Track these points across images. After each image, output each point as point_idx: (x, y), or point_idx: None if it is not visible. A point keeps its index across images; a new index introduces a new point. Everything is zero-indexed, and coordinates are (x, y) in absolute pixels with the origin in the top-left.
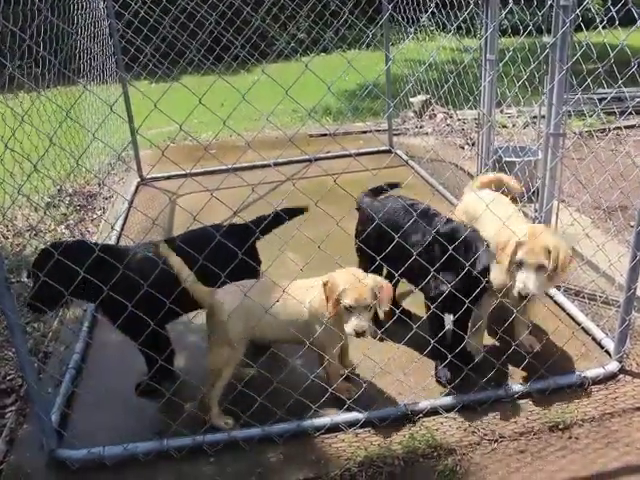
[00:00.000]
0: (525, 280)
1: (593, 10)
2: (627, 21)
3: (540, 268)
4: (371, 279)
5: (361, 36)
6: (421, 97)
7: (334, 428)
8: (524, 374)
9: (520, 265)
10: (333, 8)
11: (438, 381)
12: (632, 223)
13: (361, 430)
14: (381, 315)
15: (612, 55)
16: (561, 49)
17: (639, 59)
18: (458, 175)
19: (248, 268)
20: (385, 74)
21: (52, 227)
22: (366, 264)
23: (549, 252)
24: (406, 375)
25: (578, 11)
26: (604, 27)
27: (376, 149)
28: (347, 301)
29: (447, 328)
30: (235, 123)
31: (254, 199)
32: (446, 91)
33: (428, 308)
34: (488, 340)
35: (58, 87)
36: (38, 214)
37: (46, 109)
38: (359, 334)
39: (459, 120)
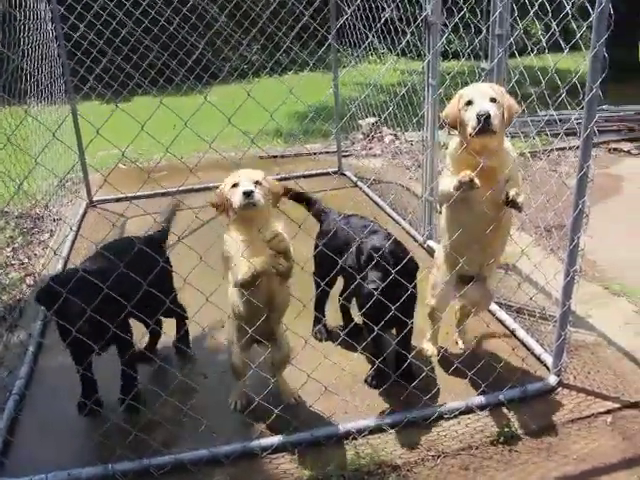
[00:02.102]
0: (480, 106)
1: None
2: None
3: (492, 101)
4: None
5: (312, 58)
6: (370, 119)
7: (281, 448)
8: (466, 390)
9: (469, 104)
10: (283, 30)
11: (367, 383)
12: (567, 241)
13: (307, 449)
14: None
15: (545, 79)
16: (497, 74)
17: (568, 84)
18: (404, 196)
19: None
20: (334, 99)
21: None
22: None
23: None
24: (352, 394)
25: (512, 39)
26: (544, 51)
27: (325, 171)
28: (231, 181)
29: (392, 347)
30: (186, 144)
31: (200, 224)
32: (394, 113)
33: (365, 324)
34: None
35: (6, 107)
36: None
37: None
38: (247, 194)
39: (407, 142)
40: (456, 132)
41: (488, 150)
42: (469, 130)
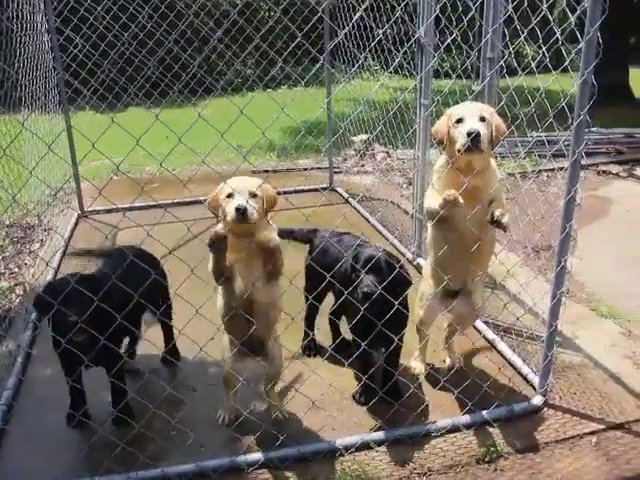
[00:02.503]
0: (470, 125)
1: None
2: (559, 66)
3: (481, 120)
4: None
5: (306, 74)
6: (362, 136)
7: (268, 463)
8: (453, 408)
9: (459, 122)
10: (278, 46)
11: (354, 399)
12: (554, 262)
13: (294, 465)
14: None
15: (534, 102)
16: (488, 96)
17: (557, 107)
18: (395, 213)
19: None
20: (326, 114)
21: None
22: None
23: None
24: (339, 411)
25: (502, 62)
26: (534, 72)
27: (317, 186)
28: (226, 190)
29: (378, 364)
30: (180, 156)
31: (190, 236)
32: (385, 131)
33: (354, 340)
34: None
35: None
36: None
37: None
38: (240, 210)
39: (398, 159)
40: (444, 150)
41: (474, 169)
42: (457, 147)
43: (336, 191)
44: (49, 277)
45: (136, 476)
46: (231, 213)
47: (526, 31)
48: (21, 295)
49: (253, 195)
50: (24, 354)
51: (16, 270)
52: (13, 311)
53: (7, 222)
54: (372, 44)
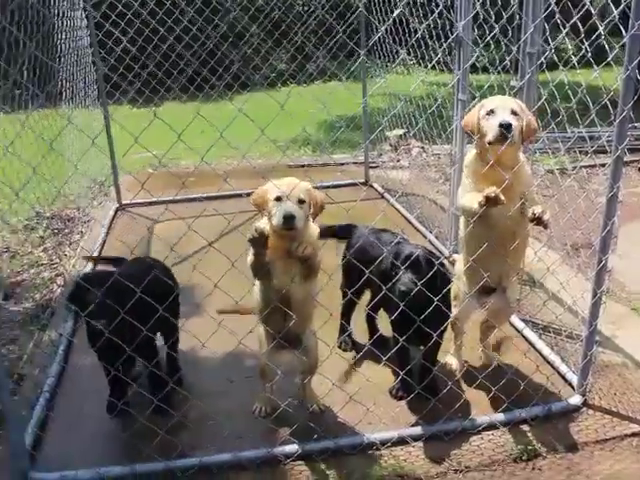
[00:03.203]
0: (502, 116)
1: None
2: (601, 60)
3: (513, 113)
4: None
5: (341, 68)
6: (398, 131)
7: (304, 456)
8: (490, 406)
9: (490, 113)
10: (314, 42)
11: (391, 394)
12: (595, 260)
13: (331, 458)
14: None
15: (576, 98)
16: (527, 92)
17: (600, 103)
18: (431, 209)
19: None
20: (362, 110)
21: (29, 250)
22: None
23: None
24: (376, 405)
25: (543, 58)
26: (574, 67)
27: (353, 181)
28: (275, 193)
29: (416, 360)
30: (216, 150)
31: (229, 229)
32: (422, 126)
33: (394, 336)
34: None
35: (40, 110)
36: (16, 236)
37: (28, 135)
38: (287, 218)
39: (434, 155)
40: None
41: (503, 163)
42: (488, 138)
43: (372, 186)
44: (88, 268)
45: (175, 465)
46: (278, 219)
47: (568, 25)
48: (62, 285)
49: (301, 201)
50: (66, 343)
51: (57, 261)
52: (55, 301)
53: (48, 214)
54: (412, 39)
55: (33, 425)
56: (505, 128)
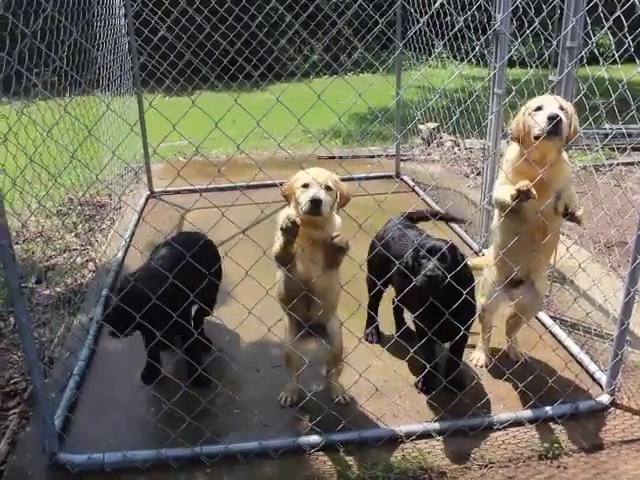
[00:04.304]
0: (551, 110)
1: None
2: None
3: (560, 108)
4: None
5: (375, 60)
6: (430, 125)
7: (329, 446)
8: (516, 402)
9: (538, 109)
10: (347, 34)
11: (416, 387)
12: (629, 259)
13: (355, 449)
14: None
15: (616, 94)
16: (566, 87)
17: None
18: (462, 204)
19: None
20: (395, 102)
21: (61, 235)
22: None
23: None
24: (401, 398)
25: (583, 53)
26: (615, 62)
27: (383, 174)
28: (302, 180)
29: (442, 353)
30: (245, 140)
31: (261, 218)
32: (455, 119)
33: (418, 330)
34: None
35: (77, 97)
36: (50, 221)
37: (65, 121)
38: (314, 202)
39: (466, 149)
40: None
41: (547, 160)
42: (536, 132)
43: (402, 179)
44: (120, 254)
45: (201, 450)
46: (306, 204)
47: (611, 19)
48: (93, 270)
49: (328, 188)
50: (96, 327)
51: (88, 247)
52: (86, 285)
53: (80, 200)
54: (451, 33)
55: (63, 407)
56: (556, 122)
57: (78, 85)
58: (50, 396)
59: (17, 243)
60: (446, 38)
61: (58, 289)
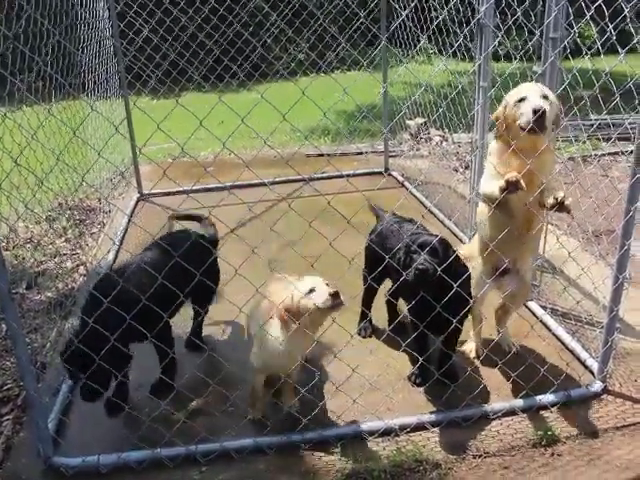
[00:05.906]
0: (534, 101)
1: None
2: (623, 47)
3: (544, 98)
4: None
5: (361, 58)
6: (418, 120)
7: (323, 441)
8: (509, 392)
9: (521, 100)
10: (333, 31)
11: (410, 380)
12: (616, 246)
13: (350, 443)
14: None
15: (599, 83)
16: (550, 78)
17: (623, 87)
18: (451, 197)
19: None
20: (382, 97)
21: (52, 240)
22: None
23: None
24: (395, 391)
25: (565, 42)
26: (598, 54)
27: (372, 170)
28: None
29: (435, 346)
30: (233, 140)
31: (250, 217)
32: (441, 114)
33: (412, 323)
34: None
35: (62, 102)
36: (39, 227)
37: (51, 125)
38: (537, 112)
39: (454, 143)
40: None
41: (532, 150)
42: (521, 124)
43: (391, 175)
44: (110, 257)
45: (196, 449)
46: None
47: (592, 8)
48: (84, 275)
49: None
50: None
51: (78, 251)
52: (77, 290)
53: (69, 205)
54: (432, 26)
55: (56, 411)
56: (540, 114)
57: (62, 88)
58: (43, 401)
59: (7, 249)
60: (429, 31)
61: (49, 294)
